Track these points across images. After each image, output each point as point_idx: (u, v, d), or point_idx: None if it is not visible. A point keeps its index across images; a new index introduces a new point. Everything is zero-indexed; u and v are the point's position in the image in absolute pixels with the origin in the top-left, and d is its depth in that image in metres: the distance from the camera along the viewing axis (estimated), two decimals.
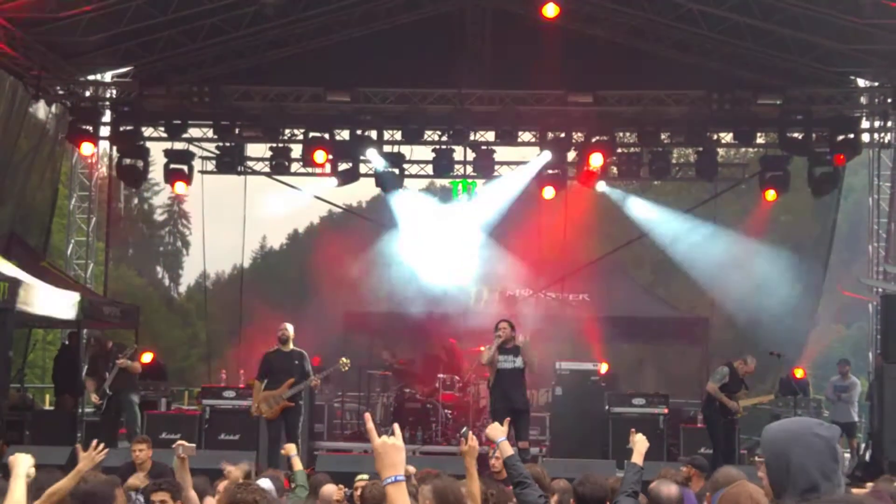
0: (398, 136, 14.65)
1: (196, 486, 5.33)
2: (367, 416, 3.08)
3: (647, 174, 14.89)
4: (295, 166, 15.03)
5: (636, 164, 14.52)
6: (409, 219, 15.83)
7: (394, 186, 14.83)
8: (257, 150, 15.34)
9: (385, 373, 14.28)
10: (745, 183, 16.61)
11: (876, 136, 14.03)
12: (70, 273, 14.71)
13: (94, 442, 5.07)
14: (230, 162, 14.69)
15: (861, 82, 13.84)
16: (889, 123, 13.80)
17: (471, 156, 14.73)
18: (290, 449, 6.58)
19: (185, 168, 14.56)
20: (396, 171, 14.50)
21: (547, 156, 14.10)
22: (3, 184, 13.53)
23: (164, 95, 13.55)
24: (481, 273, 17.74)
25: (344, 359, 10.66)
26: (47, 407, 15.63)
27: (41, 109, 14.34)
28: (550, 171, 14.16)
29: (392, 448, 2.70)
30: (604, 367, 13.40)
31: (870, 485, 5.80)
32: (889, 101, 13.30)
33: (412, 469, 5.69)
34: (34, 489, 4.13)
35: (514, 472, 4.71)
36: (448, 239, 15.68)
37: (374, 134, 14.38)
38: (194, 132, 14.75)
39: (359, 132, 14.23)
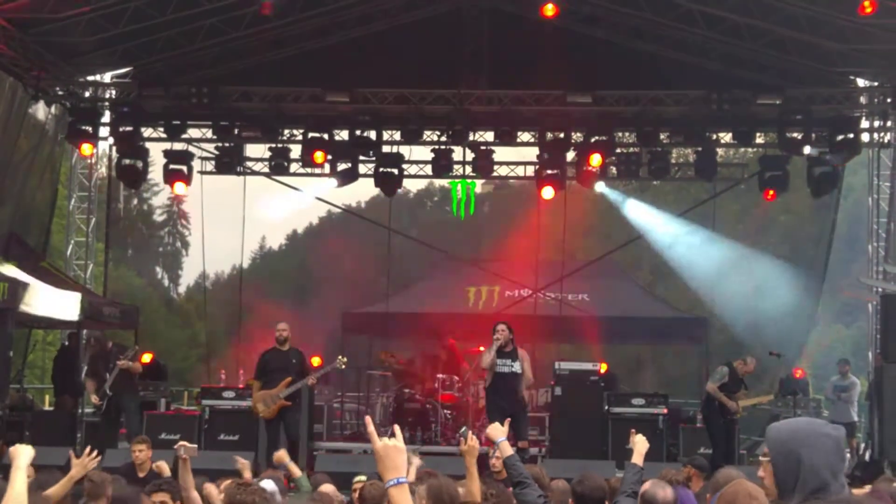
0: (397, 136, 14.66)
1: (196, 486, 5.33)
2: (368, 419, 3.07)
3: (647, 174, 14.89)
4: (294, 167, 15.03)
5: (635, 164, 14.51)
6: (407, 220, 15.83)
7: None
8: (256, 150, 15.35)
9: (384, 373, 14.28)
10: (745, 183, 16.61)
11: (875, 135, 14.02)
12: (70, 273, 14.71)
13: (87, 449, 5.07)
14: (229, 162, 14.69)
15: (860, 82, 13.84)
16: (889, 123, 13.80)
17: (470, 156, 14.73)
18: (283, 457, 6.55)
19: (185, 168, 14.56)
20: (395, 171, 14.50)
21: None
22: (3, 184, 13.53)
23: (164, 96, 13.54)
24: (481, 273, 17.77)
25: (341, 357, 10.65)
26: (47, 407, 15.63)
27: (40, 110, 14.36)
28: (550, 172, 14.16)
29: (393, 450, 2.70)
30: (603, 368, 13.39)
31: (868, 487, 5.80)
32: (888, 100, 13.30)
33: (417, 461, 5.67)
34: (34, 489, 4.13)
35: (514, 471, 4.71)
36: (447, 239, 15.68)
37: (373, 134, 14.39)
38: (193, 133, 14.75)
39: (358, 132, 14.23)
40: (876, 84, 13.57)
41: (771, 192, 14.35)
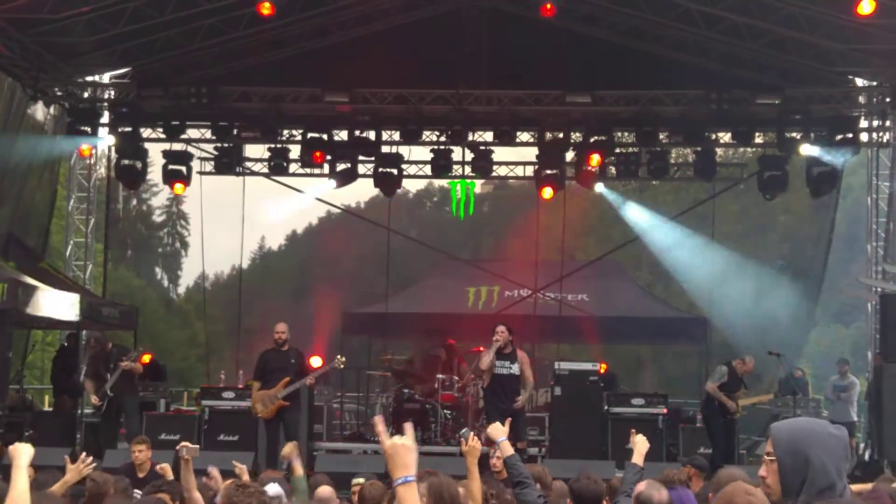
0: (396, 136, 14.66)
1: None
2: (378, 418, 3.04)
3: (646, 174, 14.89)
4: (293, 167, 15.02)
5: (634, 164, 14.51)
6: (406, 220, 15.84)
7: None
8: (256, 150, 15.34)
9: (384, 373, 14.28)
10: (744, 183, 16.62)
11: (874, 135, 14.02)
12: (69, 274, 14.70)
13: (83, 455, 5.07)
14: (228, 163, 14.69)
15: (860, 82, 13.85)
16: (888, 123, 13.79)
17: (469, 156, 14.73)
18: (291, 450, 6.52)
19: (184, 169, 14.55)
20: (395, 171, 14.50)
21: None
22: (2, 185, 13.53)
23: (163, 96, 13.54)
24: (481, 273, 17.77)
25: (340, 356, 10.64)
26: (46, 408, 15.62)
27: (39, 110, 14.35)
28: (549, 172, 14.16)
29: (403, 448, 2.69)
30: (603, 368, 13.39)
31: (871, 485, 5.79)
32: (888, 100, 13.31)
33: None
34: (33, 489, 4.12)
35: (515, 471, 4.71)
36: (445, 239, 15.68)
37: (372, 134, 14.38)
38: (192, 133, 14.73)
39: (357, 133, 14.22)
40: (875, 84, 13.58)
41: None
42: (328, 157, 14.20)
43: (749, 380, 11.56)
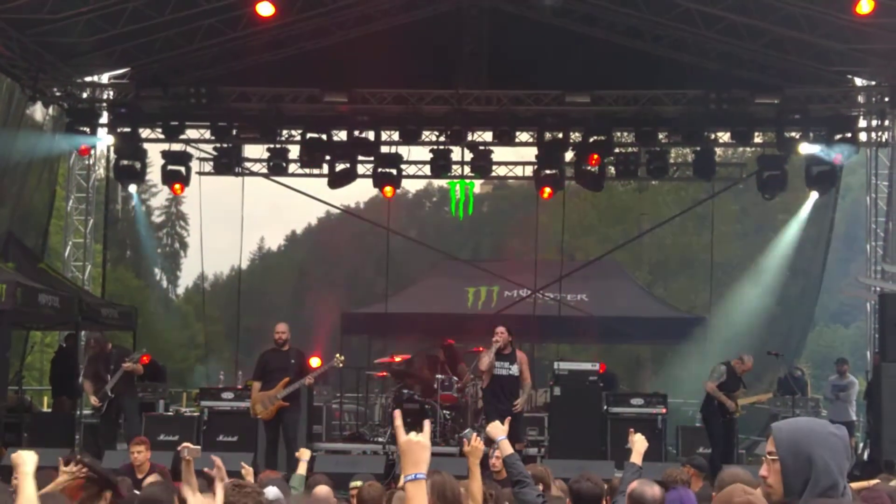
0: (395, 136, 14.65)
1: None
2: (397, 413, 2.98)
3: (645, 174, 14.89)
4: (293, 167, 15.02)
5: (634, 163, 14.52)
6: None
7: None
8: (255, 151, 15.34)
9: (383, 374, 14.27)
10: (743, 182, 16.63)
11: (873, 135, 14.03)
12: (67, 275, 14.69)
13: (78, 457, 5.05)
14: (228, 163, 14.68)
15: (858, 81, 13.85)
16: (886, 122, 13.80)
17: (468, 156, 14.73)
18: (304, 454, 6.61)
19: (183, 169, 14.55)
20: (394, 171, 14.50)
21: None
22: (1, 185, 13.52)
23: (162, 97, 13.53)
24: (480, 273, 17.77)
25: (339, 355, 10.62)
26: (45, 409, 15.61)
27: (38, 111, 14.34)
28: (548, 172, 14.16)
29: (417, 445, 2.68)
30: (602, 368, 13.39)
31: (874, 481, 5.80)
32: (886, 99, 13.31)
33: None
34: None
35: (514, 470, 4.71)
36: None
37: (371, 135, 14.38)
38: (192, 133, 14.72)
39: (356, 133, 14.22)
40: (874, 83, 13.58)
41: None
42: (327, 158, 14.20)
43: (748, 379, 11.56)
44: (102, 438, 11.12)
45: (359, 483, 5.69)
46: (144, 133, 14.52)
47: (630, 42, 13.46)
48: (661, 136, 14.16)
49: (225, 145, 14.60)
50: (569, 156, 14.57)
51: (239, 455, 8.62)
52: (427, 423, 2.82)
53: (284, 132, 14.76)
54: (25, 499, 3.04)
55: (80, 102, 14.04)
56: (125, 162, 14.19)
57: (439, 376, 12.79)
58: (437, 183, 30.92)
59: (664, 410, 11.76)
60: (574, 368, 11.96)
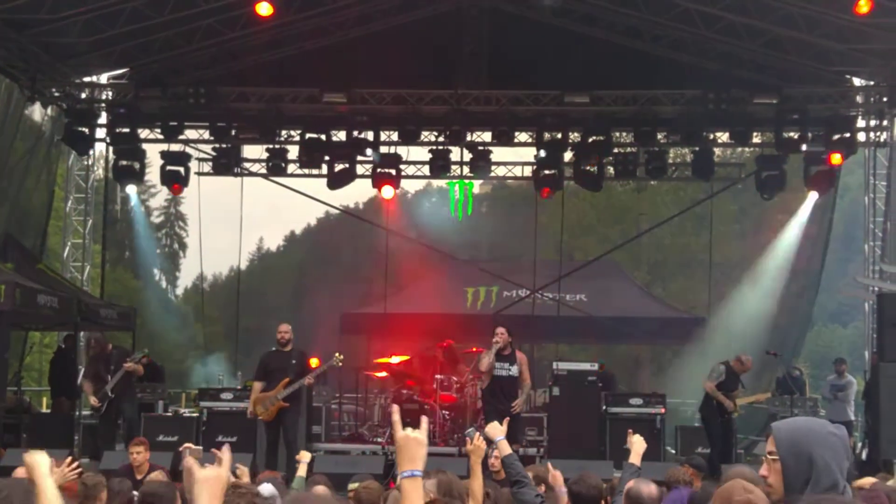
0: (395, 136, 14.66)
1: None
2: (395, 407, 2.94)
3: (644, 174, 14.90)
4: (292, 167, 15.02)
5: (633, 163, 14.52)
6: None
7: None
8: (254, 151, 15.33)
9: (382, 374, 14.26)
10: (742, 182, 16.64)
11: (872, 135, 14.05)
12: (66, 275, 14.69)
13: (69, 459, 5.06)
14: (227, 163, 14.68)
15: (857, 81, 13.86)
16: (885, 122, 13.82)
17: (468, 156, 14.74)
18: (304, 456, 6.62)
19: (182, 170, 14.55)
20: (393, 171, 14.49)
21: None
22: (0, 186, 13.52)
23: (160, 97, 13.53)
24: (479, 273, 17.78)
25: (337, 354, 10.60)
26: (44, 410, 15.60)
27: (37, 111, 14.34)
28: (547, 172, 14.16)
29: (414, 442, 2.67)
30: (601, 368, 13.39)
31: (871, 480, 5.80)
32: (885, 99, 13.32)
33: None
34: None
35: (513, 470, 4.72)
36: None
37: (370, 135, 14.38)
38: (190, 134, 14.73)
39: (355, 133, 14.22)
40: (872, 83, 13.59)
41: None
42: (326, 158, 14.20)
43: (747, 379, 11.56)
44: (101, 439, 11.11)
45: (355, 485, 5.71)
46: (143, 133, 14.52)
47: (629, 42, 13.47)
48: (659, 136, 14.17)
49: (224, 145, 14.59)
50: (568, 156, 14.58)
51: (238, 456, 8.61)
52: (424, 420, 2.80)
53: (283, 132, 14.76)
54: (48, 499, 3.00)
55: (78, 103, 14.03)
56: (124, 162, 14.19)
57: (438, 376, 12.80)
58: (437, 183, 30.91)
59: (663, 410, 11.77)
60: (573, 368, 11.97)
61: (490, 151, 14.55)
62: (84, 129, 13.71)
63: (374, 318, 16.94)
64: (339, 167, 14.38)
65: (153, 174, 19.51)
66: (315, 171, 14.83)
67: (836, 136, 13.30)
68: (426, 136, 14.64)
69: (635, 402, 11.88)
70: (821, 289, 15.98)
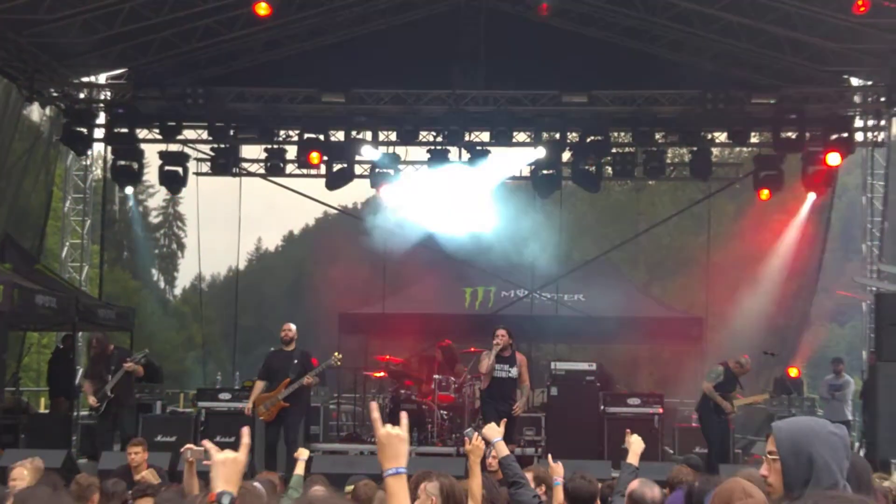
0: (393, 136, 14.66)
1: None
2: (374, 405, 2.88)
3: (642, 174, 14.92)
4: (290, 167, 15.02)
5: (631, 163, 14.54)
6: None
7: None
8: (252, 151, 15.34)
9: (381, 374, 14.27)
10: (740, 182, 16.64)
11: (869, 135, 14.07)
12: (65, 276, 14.69)
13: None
14: (225, 163, 14.68)
15: (854, 81, 13.88)
16: (882, 122, 13.84)
17: (466, 156, 14.74)
18: (302, 453, 6.61)
19: (180, 170, 14.55)
20: (392, 171, 14.50)
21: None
22: None
23: (159, 97, 13.53)
24: (477, 273, 17.77)
25: (337, 354, 10.60)
26: (42, 410, 15.60)
27: (35, 112, 14.33)
28: (546, 172, 14.17)
29: (395, 439, 2.64)
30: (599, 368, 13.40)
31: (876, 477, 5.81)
32: (882, 99, 13.34)
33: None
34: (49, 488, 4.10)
35: (510, 471, 4.73)
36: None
37: (368, 135, 14.38)
38: (189, 134, 14.73)
39: (354, 133, 14.23)
40: (870, 83, 13.61)
41: (765, 192, 14.34)
42: (324, 158, 14.20)
43: (745, 380, 11.57)
44: (99, 439, 11.11)
45: (351, 488, 5.74)
46: (142, 134, 14.52)
47: (627, 42, 13.48)
48: (657, 136, 14.20)
49: (222, 146, 14.60)
50: (566, 156, 14.59)
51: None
52: (404, 415, 2.74)
53: (282, 132, 14.76)
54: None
55: (77, 103, 14.02)
56: (122, 163, 14.18)
57: (436, 376, 12.80)
58: None
59: (661, 410, 11.78)
60: (571, 368, 11.99)
61: (488, 151, 14.56)
62: (82, 129, 13.70)
63: (373, 318, 16.93)
64: (337, 167, 14.39)
65: (151, 174, 19.50)
66: (313, 172, 14.84)
67: (834, 136, 13.31)
68: (424, 136, 14.65)
69: (633, 401, 11.90)
70: (818, 288, 15.99)
